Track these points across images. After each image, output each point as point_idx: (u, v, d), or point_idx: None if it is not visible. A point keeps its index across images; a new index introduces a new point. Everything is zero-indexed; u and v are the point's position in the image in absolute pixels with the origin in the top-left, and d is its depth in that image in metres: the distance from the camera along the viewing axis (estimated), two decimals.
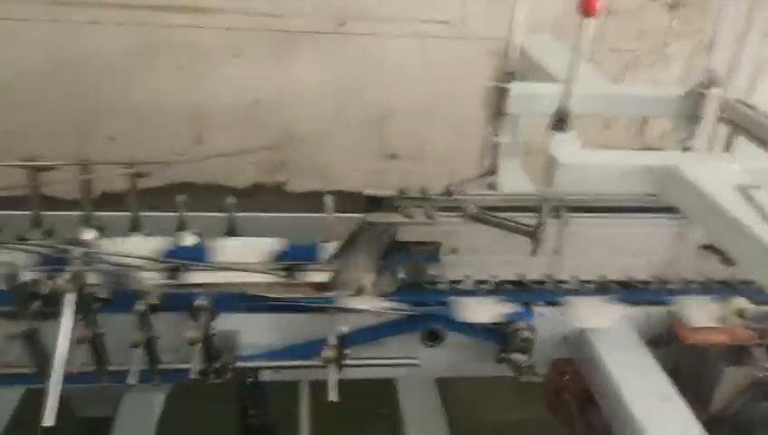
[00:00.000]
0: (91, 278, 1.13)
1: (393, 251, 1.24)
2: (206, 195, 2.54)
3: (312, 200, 2.79)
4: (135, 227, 1.41)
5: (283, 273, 1.21)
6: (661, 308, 1.29)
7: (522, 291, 1.29)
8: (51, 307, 1.10)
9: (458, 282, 1.29)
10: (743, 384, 1.23)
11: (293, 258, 1.26)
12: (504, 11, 2.34)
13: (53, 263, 1.18)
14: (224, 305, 1.19)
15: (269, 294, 1.24)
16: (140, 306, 1.06)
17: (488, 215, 1.20)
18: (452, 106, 2.59)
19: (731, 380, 1.22)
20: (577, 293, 1.30)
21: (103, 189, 1.74)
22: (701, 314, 1.24)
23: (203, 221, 1.48)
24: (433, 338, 1.26)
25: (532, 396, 1.61)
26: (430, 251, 1.24)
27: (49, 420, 0.91)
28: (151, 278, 1.18)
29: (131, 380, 1.06)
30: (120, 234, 1.39)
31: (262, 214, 2.02)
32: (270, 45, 2.45)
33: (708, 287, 1.34)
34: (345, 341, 1.13)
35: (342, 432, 1.73)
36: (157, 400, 1.97)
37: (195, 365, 1.10)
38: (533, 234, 1.16)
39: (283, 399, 1.49)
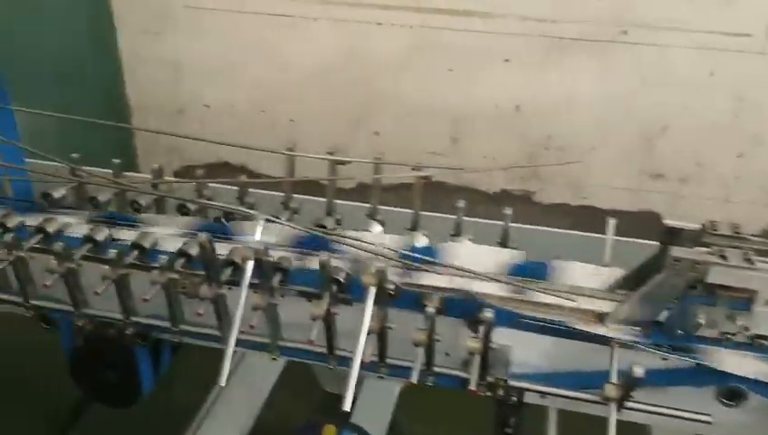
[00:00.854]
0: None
1: (694, 291, 1.11)
2: (456, 197, 2.58)
3: (557, 213, 2.71)
4: (457, 233, 1.44)
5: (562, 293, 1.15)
6: None
7: None
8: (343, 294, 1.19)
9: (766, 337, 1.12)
10: None
11: (526, 274, 1.21)
12: None
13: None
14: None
15: (545, 316, 1.20)
16: (430, 308, 1.08)
17: None
18: (739, 128, 2.31)
19: None
20: None
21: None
22: None
23: (477, 227, 1.48)
24: (732, 396, 1.11)
25: None
26: (742, 299, 1.09)
27: (348, 404, 0.96)
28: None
29: (414, 377, 1.08)
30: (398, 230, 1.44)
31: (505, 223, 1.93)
32: (541, 52, 2.40)
33: None
34: (630, 381, 1.04)
35: None
36: (394, 387, 2.05)
37: (474, 376, 1.09)
38: None
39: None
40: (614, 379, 1.10)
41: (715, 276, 1.07)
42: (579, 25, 2.32)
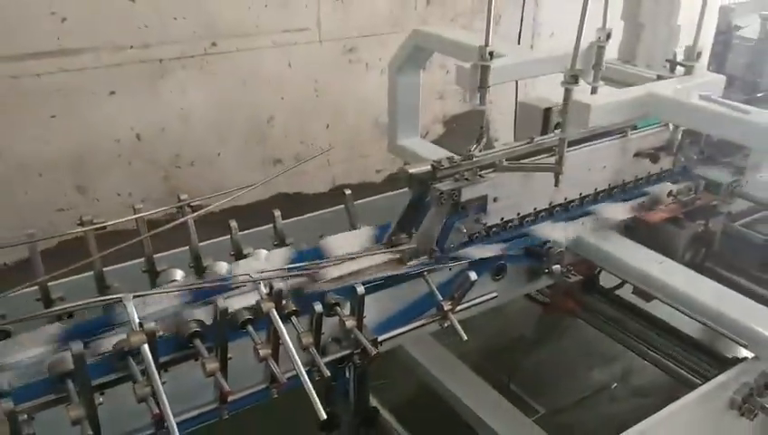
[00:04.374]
0: None
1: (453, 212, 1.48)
2: None
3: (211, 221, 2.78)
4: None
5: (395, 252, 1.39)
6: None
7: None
8: None
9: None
10: None
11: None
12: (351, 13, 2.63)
13: None
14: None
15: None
16: (318, 307, 1.16)
17: (517, 164, 1.53)
18: (322, 104, 2.82)
19: None
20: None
21: None
22: None
23: None
24: (499, 272, 1.55)
25: None
26: (480, 204, 1.51)
27: None
28: None
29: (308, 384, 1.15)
30: None
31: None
32: (143, 77, 2.40)
33: None
34: (464, 287, 1.36)
35: None
36: None
37: (368, 346, 1.23)
38: (556, 169, 1.51)
39: None
40: (441, 296, 1.39)
41: (467, 195, 1.46)
42: (172, 46, 2.40)
